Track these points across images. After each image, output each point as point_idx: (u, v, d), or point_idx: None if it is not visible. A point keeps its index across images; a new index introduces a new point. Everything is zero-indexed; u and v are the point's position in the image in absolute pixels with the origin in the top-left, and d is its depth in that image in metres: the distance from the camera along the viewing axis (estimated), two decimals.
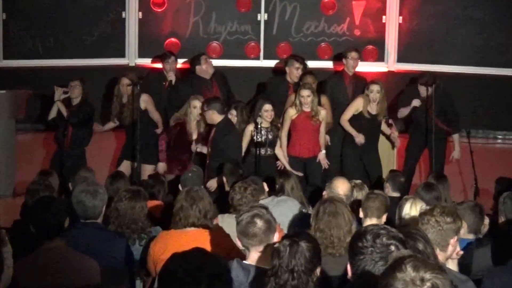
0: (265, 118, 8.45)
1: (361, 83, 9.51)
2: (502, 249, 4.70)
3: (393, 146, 9.41)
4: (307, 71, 9.65)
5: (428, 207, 4.40)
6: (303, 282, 3.54)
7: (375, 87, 8.91)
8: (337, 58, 11.00)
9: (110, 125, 9.42)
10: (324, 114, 8.88)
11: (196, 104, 8.54)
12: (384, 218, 5.50)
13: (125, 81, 8.98)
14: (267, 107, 8.49)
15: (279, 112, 9.02)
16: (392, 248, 3.13)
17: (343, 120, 9.09)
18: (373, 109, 8.98)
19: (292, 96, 9.21)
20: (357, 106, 9.03)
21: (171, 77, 9.86)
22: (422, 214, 4.28)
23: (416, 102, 9.22)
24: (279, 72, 10.50)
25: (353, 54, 9.65)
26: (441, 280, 2.56)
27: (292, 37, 11.53)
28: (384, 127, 9.23)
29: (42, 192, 5.97)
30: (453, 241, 4.23)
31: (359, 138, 8.98)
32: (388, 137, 9.39)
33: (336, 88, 9.60)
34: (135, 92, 8.79)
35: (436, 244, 4.15)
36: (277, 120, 8.70)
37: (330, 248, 4.68)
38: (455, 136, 9.41)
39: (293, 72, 9.63)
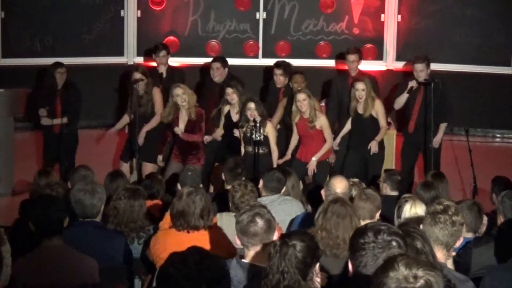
0: (248, 117, 8.42)
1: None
2: (504, 249, 4.71)
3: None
4: (295, 71, 9.60)
5: (439, 207, 4.28)
6: (295, 282, 3.54)
7: (359, 85, 8.75)
8: (340, 57, 11.00)
9: (124, 119, 9.17)
10: (322, 121, 8.65)
11: (178, 92, 8.57)
12: (377, 216, 5.48)
13: (137, 75, 8.94)
14: (249, 105, 8.45)
15: (272, 113, 9.10)
16: (394, 243, 3.14)
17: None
18: (360, 107, 8.90)
19: (284, 100, 9.19)
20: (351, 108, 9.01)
21: (161, 70, 9.84)
22: (436, 212, 4.20)
23: (412, 83, 9.05)
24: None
25: (350, 57, 9.46)
26: (434, 277, 2.58)
27: (290, 36, 11.55)
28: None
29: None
30: (458, 242, 4.23)
31: (335, 146, 9.05)
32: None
33: (341, 88, 9.51)
34: (134, 90, 8.76)
35: (445, 245, 4.15)
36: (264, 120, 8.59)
37: (335, 249, 4.69)
38: (442, 125, 9.19)
39: (274, 78, 9.63)
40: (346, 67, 9.80)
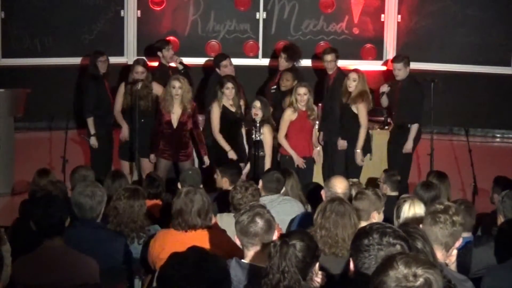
0: (251, 115, 8.43)
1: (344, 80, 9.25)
2: (504, 249, 4.70)
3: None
4: (286, 69, 9.60)
5: (440, 207, 4.28)
6: (295, 282, 3.54)
7: (352, 75, 8.69)
8: (316, 57, 11.04)
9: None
10: (316, 112, 8.83)
11: (175, 84, 8.56)
12: (375, 216, 5.46)
13: (140, 68, 8.91)
14: (255, 103, 8.45)
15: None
16: (398, 247, 3.13)
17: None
18: (348, 99, 8.77)
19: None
20: None
21: (179, 60, 9.78)
22: (436, 212, 4.19)
23: (383, 88, 9.07)
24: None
25: (327, 57, 9.33)
26: (433, 275, 2.59)
27: (290, 36, 11.56)
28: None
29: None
30: (458, 243, 4.23)
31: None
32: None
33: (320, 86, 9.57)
34: (134, 90, 8.75)
35: (444, 245, 4.14)
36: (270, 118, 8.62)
37: (334, 247, 4.69)
38: (413, 126, 8.90)
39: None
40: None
